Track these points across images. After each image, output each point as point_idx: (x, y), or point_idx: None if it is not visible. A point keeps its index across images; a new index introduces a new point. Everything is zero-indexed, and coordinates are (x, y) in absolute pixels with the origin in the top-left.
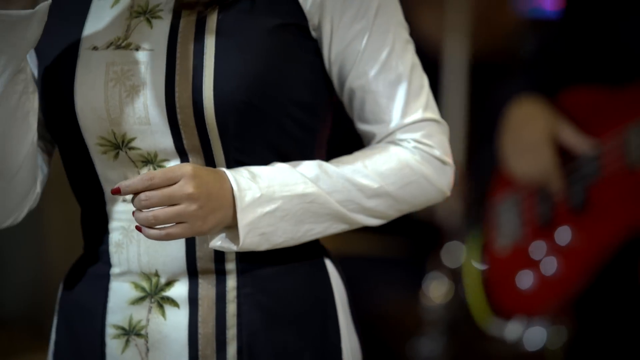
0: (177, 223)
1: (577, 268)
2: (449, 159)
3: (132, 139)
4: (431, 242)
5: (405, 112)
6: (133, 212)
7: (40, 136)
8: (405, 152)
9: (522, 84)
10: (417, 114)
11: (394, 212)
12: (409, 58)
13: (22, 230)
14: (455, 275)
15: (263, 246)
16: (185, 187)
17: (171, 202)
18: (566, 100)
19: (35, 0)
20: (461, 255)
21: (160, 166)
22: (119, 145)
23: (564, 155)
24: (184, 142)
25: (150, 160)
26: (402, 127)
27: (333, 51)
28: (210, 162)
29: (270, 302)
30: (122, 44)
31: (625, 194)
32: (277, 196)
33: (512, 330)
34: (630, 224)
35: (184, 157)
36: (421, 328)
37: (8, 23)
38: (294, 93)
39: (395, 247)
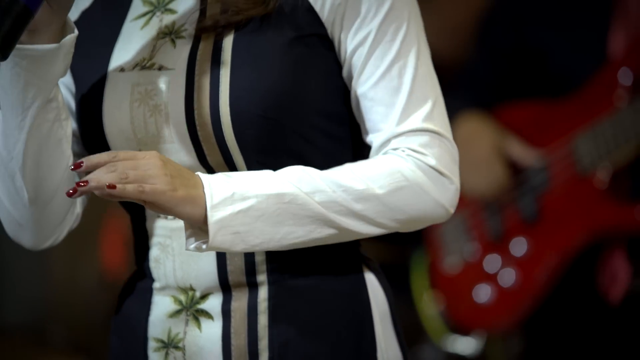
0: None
1: (537, 277)
2: (449, 172)
3: None
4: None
5: (401, 120)
6: (84, 184)
7: (80, 155)
8: (397, 158)
9: (464, 99)
10: (414, 123)
11: (388, 221)
12: (416, 66)
13: None
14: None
15: (238, 246)
16: (153, 158)
17: (136, 169)
18: (504, 116)
19: (61, 32)
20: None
21: None
22: None
23: (512, 168)
24: (208, 158)
25: None
26: (397, 136)
27: (341, 57)
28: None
29: (302, 314)
30: (147, 64)
31: (578, 200)
32: (250, 194)
33: (470, 345)
34: (586, 230)
35: (209, 170)
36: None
37: (34, 57)
38: (316, 103)
39: (407, 255)
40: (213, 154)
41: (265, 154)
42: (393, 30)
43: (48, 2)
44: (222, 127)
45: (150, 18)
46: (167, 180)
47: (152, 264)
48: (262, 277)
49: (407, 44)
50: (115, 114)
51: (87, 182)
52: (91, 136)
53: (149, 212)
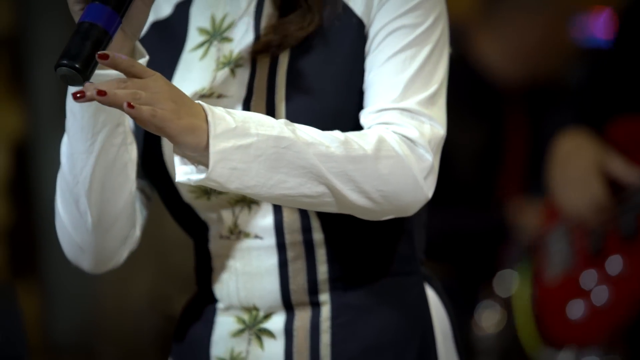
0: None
1: (629, 297)
2: (429, 149)
3: None
4: (483, 270)
5: (398, 99)
6: (104, 95)
7: (141, 178)
8: (385, 131)
9: (571, 114)
10: (409, 103)
11: (372, 189)
12: (427, 57)
13: None
14: (508, 305)
15: (233, 184)
16: (160, 80)
17: (145, 90)
18: (615, 131)
19: (131, 57)
20: (513, 283)
21: (253, 202)
22: (208, 191)
23: (614, 185)
24: None
25: (242, 199)
26: (390, 109)
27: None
28: None
29: (365, 332)
30: (206, 93)
31: None
32: (252, 132)
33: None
34: None
35: None
36: (472, 357)
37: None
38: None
39: (447, 274)
40: None
41: None
42: (415, 21)
43: (121, 28)
44: None
45: (208, 48)
46: (173, 106)
47: (216, 285)
48: (324, 297)
49: (425, 36)
50: None
51: (102, 92)
52: (151, 162)
53: (212, 234)
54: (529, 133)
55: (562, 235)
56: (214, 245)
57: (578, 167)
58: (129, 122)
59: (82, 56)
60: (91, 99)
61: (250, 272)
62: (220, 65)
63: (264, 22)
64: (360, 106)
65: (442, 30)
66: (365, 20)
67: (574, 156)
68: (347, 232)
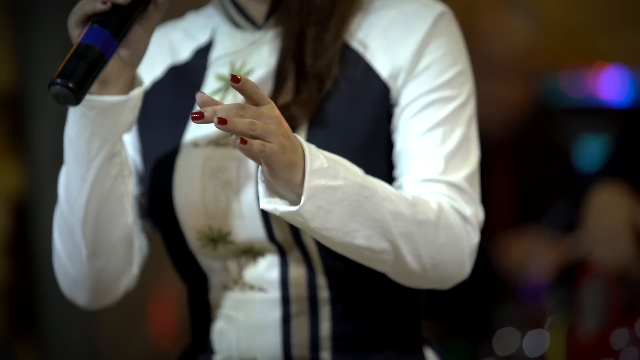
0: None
1: None
2: (478, 231)
3: (228, 233)
4: (482, 328)
5: (444, 171)
6: (224, 123)
7: (143, 217)
8: (442, 201)
9: (606, 168)
10: (457, 178)
11: (426, 256)
12: (465, 132)
13: None
14: None
15: (315, 222)
16: (273, 110)
17: (261, 120)
18: None
19: (130, 86)
20: (515, 342)
21: (258, 254)
22: (216, 239)
23: None
24: (276, 235)
25: (248, 251)
26: (439, 181)
27: (393, 111)
28: (303, 251)
29: None
30: (222, 142)
31: None
32: (341, 175)
33: None
34: None
35: (280, 248)
36: None
37: (102, 108)
38: (381, 177)
39: (445, 333)
40: (282, 232)
41: None
42: (451, 94)
43: (119, 55)
44: None
45: (225, 94)
46: (281, 141)
47: (215, 336)
48: (325, 354)
49: (460, 110)
50: (186, 186)
51: (222, 120)
52: (159, 205)
53: (213, 284)
54: (514, 177)
55: (597, 290)
56: (215, 295)
57: (612, 220)
58: (126, 155)
59: (76, 76)
60: (208, 122)
61: (252, 324)
62: None
63: (284, 75)
64: (380, 165)
65: (474, 105)
66: (391, 84)
67: (608, 210)
68: (353, 292)
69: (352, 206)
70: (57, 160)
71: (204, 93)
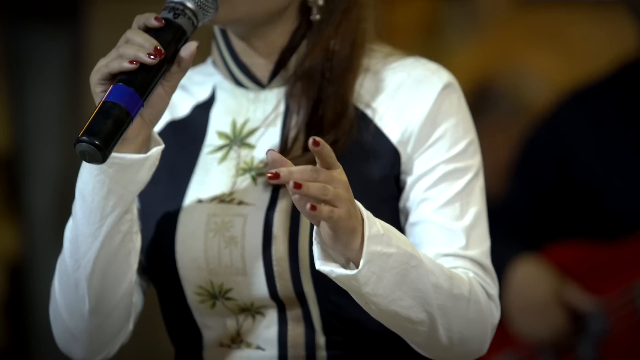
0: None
1: None
2: (499, 309)
3: (229, 290)
4: None
5: (466, 247)
6: (299, 188)
7: (139, 272)
8: (471, 277)
9: (517, 240)
10: (479, 255)
11: (456, 328)
12: (479, 207)
13: None
14: None
15: (367, 288)
16: (343, 175)
17: (331, 184)
18: (554, 255)
19: (146, 144)
20: None
21: (257, 312)
22: (216, 295)
23: (570, 314)
24: (279, 293)
25: (247, 308)
26: (462, 257)
27: (402, 183)
28: (304, 309)
29: None
30: (227, 199)
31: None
32: (393, 243)
33: None
34: None
35: (280, 305)
36: None
37: (122, 165)
38: None
39: None
40: (285, 290)
41: (339, 292)
42: (465, 164)
43: (140, 113)
44: (300, 264)
45: (228, 152)
46: (347, 207)
47: None
48: None
49: (475, 180)
50: (189, 242)
51: (298, 185)
52: (159, 260)
53: (208, 342)
54: None
55: None
56: (210, 353)
57: (537, 294)
58: (136, 212)
59: (103, 134)
60: (284, 183)
61: None
62: (241, 171)
63: (291, 135)
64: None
65: (483, 175)
66: (400, 149)
67: (532, 283)
68: (351, 354)
69: (401, 275)
70: (53, 222)
71: (274, 151)
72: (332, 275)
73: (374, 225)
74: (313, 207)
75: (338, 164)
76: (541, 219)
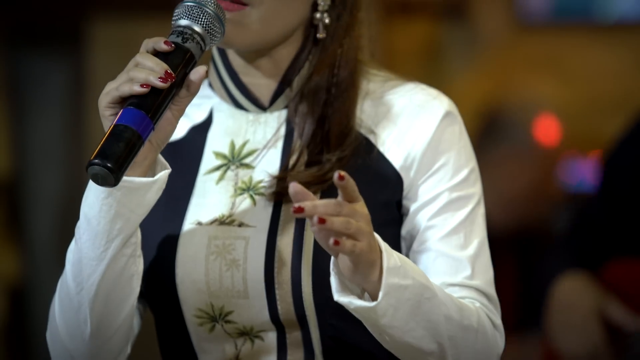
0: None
1: None
2: (504, 339)
3: (230, 313)
4: None
5: (472, 276)
6: (323, 223)
7: (138, 297)
8: (478, 307)
9: (567, 257)
10: (483, 284)
11: (464, 358)
12: (482, 238)
13: None
14: None
15: (383, 319)
16: (364, 208)
17: (354, 218)
18: (611, 274)
19: (152, 168)
20: None
21: (257, 337)
22: (216, 318)
23: (614, 333)
24: (280, 316)
25: (247, 332)
26: (468, 287)
27: (404, 211)
28: (305, 332)
29: None
30: (226, 220)
31: None
32: (409, 275)
33: None
34: None
35: (280, 329)
36: None
37: (130, 189)
38: None
39: None
40: (287, 313)
41: (340, 317)
42: (468, 192)
43: (149, 137)
44: (302, 287)
45: (225, 172)
46: (368, 240)
47: None
48: None
49: (477, 208)
50: (190, 264)
51: (322, 220)
52: (159, 283)
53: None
54: (519, 278)
55: None
56: None
57: (578, 310)
58: (140, 236)
59: (115, 156)
60: (308, 217)
61: None
62: (239, 190)
63: (293, 158)
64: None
65: (483, 199)
66: (403, 175)
67: (573, 301)
68: None
69: (415, 306)
70: (53, 246)
71: (297, 183)
72: (350, 307)
73: (391, 258)
74: (336, 243)
75: (360, 197)
76: (619, 236)
